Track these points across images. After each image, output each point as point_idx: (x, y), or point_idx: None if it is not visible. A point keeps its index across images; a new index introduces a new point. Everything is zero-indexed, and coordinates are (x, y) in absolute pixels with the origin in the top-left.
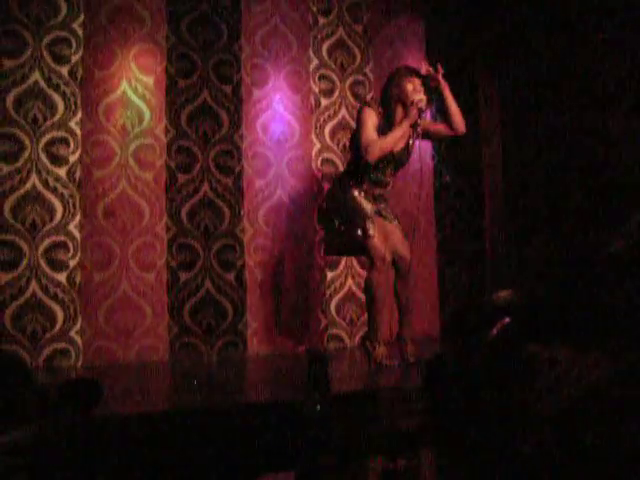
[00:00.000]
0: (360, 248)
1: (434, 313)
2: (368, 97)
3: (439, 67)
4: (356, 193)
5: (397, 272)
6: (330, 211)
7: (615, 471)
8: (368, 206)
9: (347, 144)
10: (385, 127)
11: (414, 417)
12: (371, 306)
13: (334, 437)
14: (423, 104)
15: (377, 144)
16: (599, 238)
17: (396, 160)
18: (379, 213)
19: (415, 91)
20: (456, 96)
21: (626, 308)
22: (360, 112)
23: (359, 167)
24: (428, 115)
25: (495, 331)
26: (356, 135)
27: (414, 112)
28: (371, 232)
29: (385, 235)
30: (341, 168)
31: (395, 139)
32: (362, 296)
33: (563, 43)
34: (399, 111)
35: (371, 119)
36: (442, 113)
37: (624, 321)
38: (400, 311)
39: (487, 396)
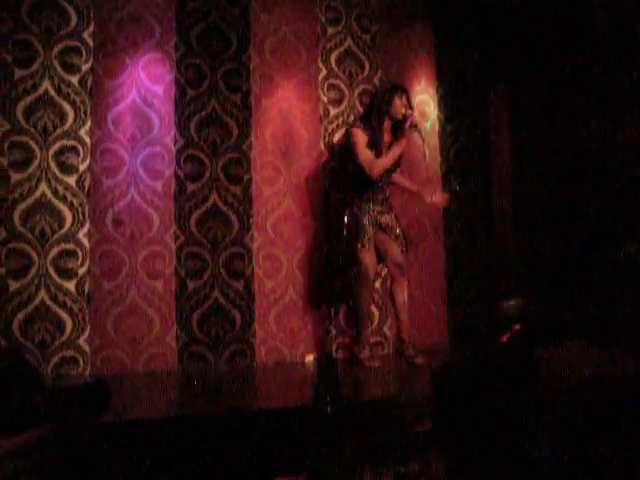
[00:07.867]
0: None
1: (442, 322)
2: (351, 119)
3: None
4: (356, 210)
5: (393, 278)
6: (339, 229)
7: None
8: (368, 222)
9: (349, 165)
10: (374, 141)
11: (424, 422)
12: (357, 316)
13: (345, 441)
14: (415, 118)
15: (379, 164)
16: (611, 242)
17: (388, 169)
18: (381, 227)
19: (403, 105)
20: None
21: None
22: (349, 135)
23: (357, 183)
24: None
25: (505, 338)
26: (350, 156)
27: (409, 129)
28: (364, 248)
29: (383, 248)
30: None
31: (394, 157)
32: None
33: (576, 54)
34: (386, 125)
35: (362, 139)
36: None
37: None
38: (397, 314)
39: (497, 401)
